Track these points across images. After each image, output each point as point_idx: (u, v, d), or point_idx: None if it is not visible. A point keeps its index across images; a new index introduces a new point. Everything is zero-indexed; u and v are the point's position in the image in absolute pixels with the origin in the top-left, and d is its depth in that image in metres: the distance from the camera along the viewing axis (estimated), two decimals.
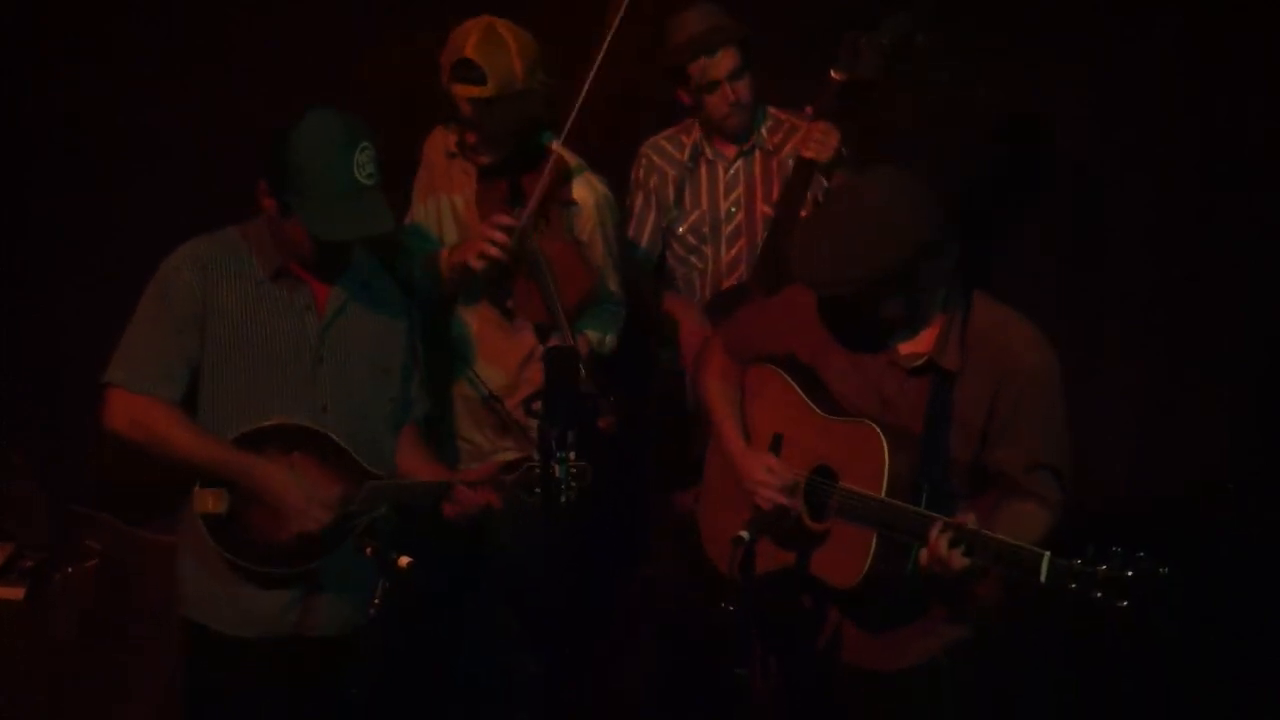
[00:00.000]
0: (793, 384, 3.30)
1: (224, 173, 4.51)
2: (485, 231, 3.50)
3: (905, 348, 3.16)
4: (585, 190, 3.69)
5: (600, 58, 3.58)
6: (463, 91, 3.48)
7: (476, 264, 3.51)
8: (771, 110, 4.07)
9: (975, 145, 4.62)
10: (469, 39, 3.48)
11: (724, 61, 3.86)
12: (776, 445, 3.28)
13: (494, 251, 3.49)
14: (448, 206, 3.68)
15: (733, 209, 4.04)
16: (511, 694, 3.87)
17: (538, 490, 3.18)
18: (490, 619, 3.84)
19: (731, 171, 4.04)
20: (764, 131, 4.04)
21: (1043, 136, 4.78)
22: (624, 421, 3.72)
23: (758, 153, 4.03)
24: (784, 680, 3.44)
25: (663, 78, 4.02)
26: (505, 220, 3.51)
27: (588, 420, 3.13)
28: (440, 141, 3.70)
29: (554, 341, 3.48)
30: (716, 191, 4.04)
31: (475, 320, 3.72)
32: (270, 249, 3.18)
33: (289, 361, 3.20)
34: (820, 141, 3.84)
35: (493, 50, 3.46)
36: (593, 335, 3.72)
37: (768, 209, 4.02)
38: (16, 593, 4.66)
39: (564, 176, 3.63)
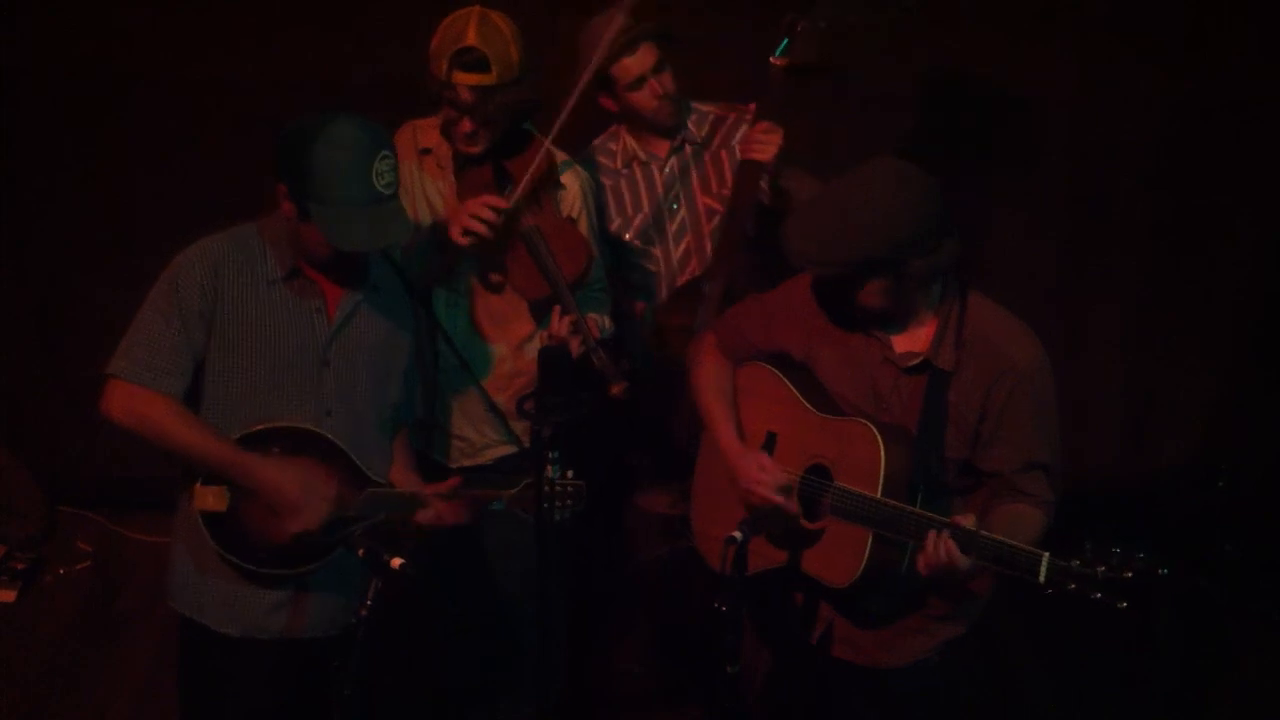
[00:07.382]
0: (786, 381, 3.29)
1: (227, 166, 4.52)
2: (470, 207, 3.49)
3: (901, 346, 3.15)
4: (571, 174, 3.72)
5: (594, 67, 3.60)
6: (466, 79, 3.47)
7: (461, 239, 3.50)
8: (694, 104, 4.08)
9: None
10: (468, 27, 3.47)
11: (645, 57, 3.87)
12: (770, 443, 3.27)
13: (478, 227, 3.48)
14: (423, 200, 3.66)
15: (674, 205, 4.04)
16: (502, 690, 3.86)
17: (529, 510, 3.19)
18: (477, 618, 3.83)
19: (667, 169, 4.05)
20: (690, 125, 4.05)
21: (1031, 121, 4.79)
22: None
23: (688, 147, 4.05)
24: (776, 677, 3.43)
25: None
26: (494, 200, 3.50)
27: (582, 417, 3.10)
28: (410, 137, 3.68)
29: (552, 330, 3.47)
30: (655, 191, 4.05)
31: (478, 296, 3.70)
32: (285, 249, 3.17)
33: (295, 364, 3.19)
34: (762, 142, 3.83)
35: (493, 37, 3.47)
36: (593, 317, 3.72)
37: (709, 200, 4.03)
38: (8, 595, 4.66)
39: (552, 160, 3.64)
